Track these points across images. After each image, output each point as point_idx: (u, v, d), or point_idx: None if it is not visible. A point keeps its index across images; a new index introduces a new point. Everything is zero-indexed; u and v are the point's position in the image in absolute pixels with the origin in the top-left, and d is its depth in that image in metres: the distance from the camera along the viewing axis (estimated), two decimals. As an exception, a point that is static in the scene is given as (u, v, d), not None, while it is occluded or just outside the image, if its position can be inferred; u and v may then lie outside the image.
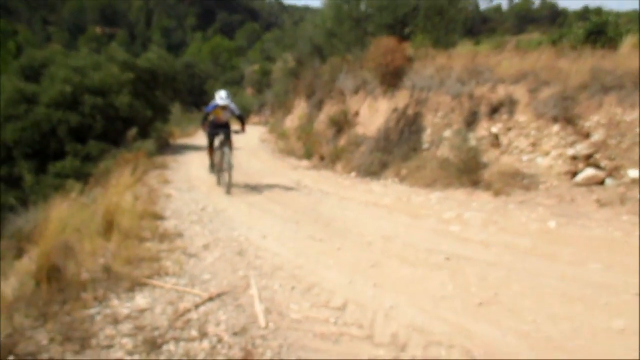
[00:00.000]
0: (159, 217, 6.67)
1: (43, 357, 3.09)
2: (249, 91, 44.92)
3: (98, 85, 14.50)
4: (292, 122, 17.51)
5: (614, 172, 6.32)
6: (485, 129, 8.21)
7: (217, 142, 8.90)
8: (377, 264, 4.92)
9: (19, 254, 5.60)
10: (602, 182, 6.40)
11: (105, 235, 5.18)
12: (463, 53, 10.41)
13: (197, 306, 3.92)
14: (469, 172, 7.63)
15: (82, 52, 18.04)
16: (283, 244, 5.69)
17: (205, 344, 3.35)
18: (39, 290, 3.76)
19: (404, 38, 12.04)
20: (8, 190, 12.36)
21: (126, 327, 3.53)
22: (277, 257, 5.19)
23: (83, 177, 11.25)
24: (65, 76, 14.16)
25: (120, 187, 6.31)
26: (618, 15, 9.07)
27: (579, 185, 6.53)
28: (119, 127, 14.40)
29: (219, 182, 9.22)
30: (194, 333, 3.49)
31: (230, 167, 8.39)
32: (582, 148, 6.64)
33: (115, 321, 3.59)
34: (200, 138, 21.39)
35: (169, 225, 6.37)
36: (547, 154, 7.11)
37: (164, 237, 5.71)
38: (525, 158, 7.36)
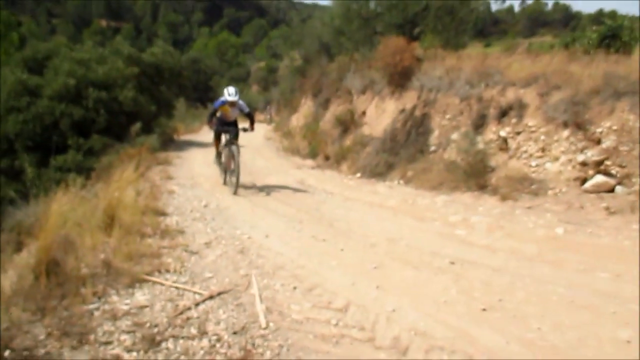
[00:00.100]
0: (161, 213, 6.64)
1: (40, 351, 3.07)
2: (255, 88, 44.98)
3: (102, 79, 14.45)
4: (297, 120, 17.46)
5: (625, 179, 6.23)
6: (493, 132, 8.12)
7: (224, 140, 8.72)
8: (380, 266, 4.87)
9: (18, 247, 5.56)
10: (612, 190, 6.32)
11: (105, 230, 5.14)
12: (473, 54, 10.35)
13: (197, 304, 3.89)
14: (475, 175, 7.56)
15: (86, 45, 17.95)
16: (285, 243, 5.65)
17: (205, 342, 3.32)
18: (38, 284, 3.73)
19: (413, 38, 11.99)
20: (8, 183, 12.32)
21: (125, 323, 3.51)
22: (279, 257, 5.14)
23: (85, 171, 11.18)
24: (69, 69, 14.10)
25: (122, 182, 6.28)
26: (633, 19, 8.95)
27: (588, 192, 6.44)
28: (123, 121, 14.33)
29: (225, 182, 9.01)
30: (193, 331, 3.47)
31: (239, 168, 8.16)
32: (592, 154, 6.55)
33: (114, 317, 3.57)
34: (205, 135, 21.39)
35: (171, 221, 6.33)
36: (556, 159, 7.02)
37: (165, 233, 5.68)
38: (533, 163, 7.28)
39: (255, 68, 53.78)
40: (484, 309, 3.86)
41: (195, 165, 12.01)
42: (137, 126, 13.92)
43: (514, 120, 7.85)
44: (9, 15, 29.85)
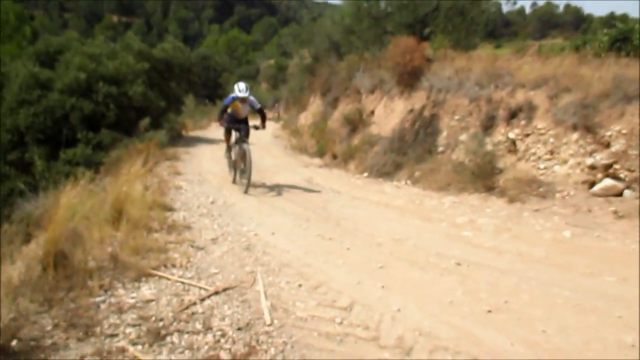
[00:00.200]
0: (168, 208, 6.67)
1: (46, 342, 3.10)
2: (264, 86, 44.98)
3: (112, 74, 14.51)
4: (305, 118, 17.45)
5: (633, 183, 6.18)
6: (502, 133, 8.08)
7: (234, 137, 8.62)
8: (385, 266, 4.87)
9: (27, 238, 5.61)
10: (620, 194, 6.26)
11: (113, 224, 5.18)
12: (483, 55, 10.27)
13: (202, 299, 3.91)
14: (483, 177, 7.52)
15: (97, 40, 18.04)
16: (292, 241, 5.66)
17: (209, 338, 3.34)
18: (45, 275, 3.77)
19: (423, 38, 11.92)
20: (18, 175, 12.40)
21: (130, 316, 3.54)
22: (285, 254, 5.16)
23: (94, 165, 11.23)
24: (80, 63, 14.17)
25: (131, 177, 6.31)
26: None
27: (597, 195, 6.40)
28: (132, 116, 14.40)
29: (234, 180, 8.89)
30: (198, 326, 3.49)
31: (250, 167, 8.02)
32: (601, 157, 6.50)
33: (120, 310, 3.60)
34: (213, 131, 21.48)
35: (178, 216, 6.37)
36: (564, 162, 6.98)
37: (172, 228, 5.72)
38: (542, 165, 7.23)
39: (264, 66, 53.80)
40: (490, 311, 3.85)
41: (203, 162, 12.05)
42: (146, 121, 14.00)
43: (523, 122, 7.81)
44: (22, 10, 29.99)
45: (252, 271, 4.60)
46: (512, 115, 8.04)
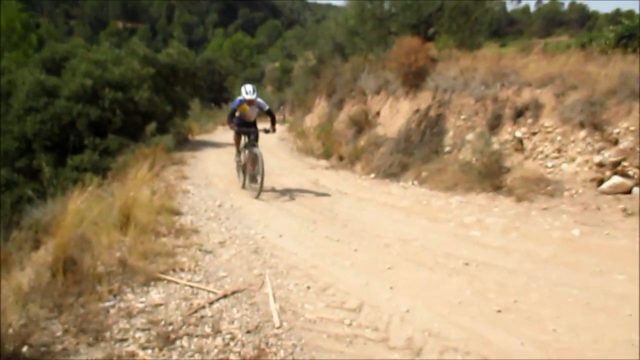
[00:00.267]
0: (176, 213, 6.69)
1: (57, 347, 3.11)
2: (269, 88, 45.08)
3: (118, 80, 14.61)
4: (311, 120, 17.45)
5: (642, 180, 6.14)
6: (508, 132, 8.04)
7: (244, 141, 8.50)
8: (393, 267, 4.86)
9: (36, 245, 5.65)
10: (629, 191, 6.22)
11: (121, 229, 5.21)
12: (488, 55, 10.24)
13: (211, 303, 3.91)
14: (490, 176, 7.49)
15: (103, 46, 18.15)
16: (299, 243, 5.66)
17: (219, 341, 3.35)
18: (55, 281, 3.79)
19: (427, 38, 11.92)
20: (27, 182, 12.52)
21: (140, 321, 3.55)
22: (293, 256, 5.16)
23: (101, 171, 11.30)
24: (86, 69, 14.28)
25: (138, 182, 6.34)
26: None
27: (605, 193, 6.35)
28: (138, 121, 14.48)
29: (243, 185, 8.75)
30: (207, 329, 3.49)
31: (263, 172, 7.83)
32: (609, 155, 6.46)
33: (129, 315, 3.61)
34: (219, 135, 21.56)
35: (185, 220, 6.39)
36: (572, 160, 6.94)
37: (179, 232, 5.73)
38: (549, 163, 7.19)
39: (269, 68, 53.95)
40: (499, 311, 3.83)
41: (209, 165, 12.09)
42: (152, 126, 14.06)
43: (529, 121, 7.77)
44: (27, 18, 30.24)
45: (260, 274, 4.61)
46: (519, 113, 8.00)
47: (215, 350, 3.23)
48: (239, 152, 8.89)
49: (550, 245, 5.33)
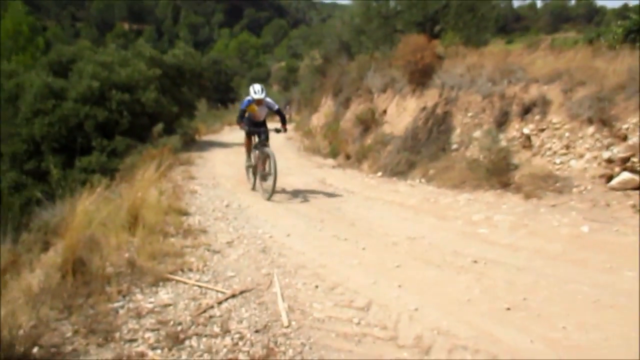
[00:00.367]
0: (184, 213, 6.71)
1: (67, 348, 3.12)
2: (275, 88, 45.10)
3: (125, 81, 14.66)
4: (318, 119, 17.43)
5: (652, 176, 6.09)
6: (516, 129, 8.00)
7: (254, 142, 8.40)
8: (401, 265, 4.85)
9: (45, 246, 5.69)
10: (638, 187, 6.16)
11: (129, 230, 5.22)
12: (495, 51, 10.20)
13: (219, 302, 3.92)
14: (498, 173, 7.45)
15: (109, 48, 18.26)
16: (307, 242, 5.66)
17: (227, 341, 3.35)
18: (64, 282, 3.80)
19: (433, 36, 11.88)
20: (35, 184, 12.60)
21: (149, 321, 3.55)
22: (301, 256, 5.16)
23: (109, 172, 11.35)
24: (93, 71, 14.34)
25: (145, 182, 6.35)
26: (659, 13, 8.72)
27: (614, 189, 6.30)
28: (145, 122, 14.52)
29: (253, 187, 8.60)
30: (216, 329, 3.49)
31: (275, 173, 7.65)
32: (618, 151, 6.41)
33: (139, 315, 3.62)
34: (226, 135, 21.59)
35: (193, 221, 6.40)
36: (581, 156, 6.88)
37: (187, 232, 5.74)
38: (558, 160, 7.14)
39: (275, 68, 53.98)
40: (508, 308, 3.82)
41: (217, 165, 12.11)
42: (159, 127, 14.11)
43: (537, 117, 7.72)
44: (34, 21, 30.43)
45: (269, 273, 4.61)
46: (526, 110, 7.95)
47: (224, 350, 3.23)
48: (249, 155, 8.70)
49: (559, 242, 5.30)
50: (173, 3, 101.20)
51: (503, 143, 7.82)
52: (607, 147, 6.59)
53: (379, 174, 10.06)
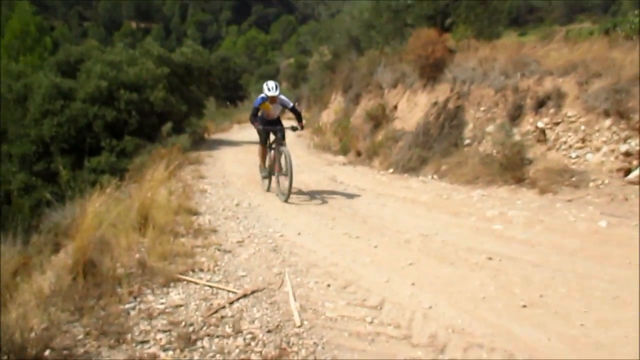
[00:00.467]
0: (194, 212, 6.71)
1: (79, 350, 3.11)
2: (284, 85, 45.05)
3: (133, 80, 14.67)
4: (328, 116, 17.38)
5: (671, 169, 5.96)
6: (530, 123, 7.87)
7: (269, 141, 8.19)
8: (415, 262, 4.79)
9: (56, 248, 5.70)
10: (657, 180, 6.05)
11: (140, 230, 5.22)
12: (507, 44, 10.04)
13: (231, 303, 3.89)
14: (512, 168, 7.34)
15: (117, 47, 18.26)
16: (318, 240, 5.62)
17: (239, 341, 3.32)
18: (75, 284, 3.80)
19: (444, 29, 11.73)
20: (45, 185, 12.61)
21: (160, 322, 3.54)
22: (312, 254, 5.11)
23: (118, 172, 11.33)
24: (101, 71, 14.36)
25: (155, 182, 6.34)
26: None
27: (632, 183, 6.17)
28: (154, 122, 14.54)
29: (268, 188, 8.37)
30: (228, 330, 3.47)
31: (292, 173, 7.40)
32: (636, 144, 6.28)
33: (150, 316, 3.61)
34: (235, 133, 21.63)
35: (204, 220, 6.39)
36: (597, 149, 6.75)
37: (198, 232, 5.73)
38: (573, 154, 7.02)
39: (284, 65, 53.86)
40: (524, 305, 3.75)
41: (226, 164, 12.11)
42: (168, 126, 14.12)
43: (552, 111, 7.59)
44: (42, 21, 30.56)
45: (280, 272, 4.57)
46: (541, 103, 7.81)
47: (237, 351, 3.20)
48: (264, 163, 8.39)
49: (576, 237, 5.21)
50: (180, 1, 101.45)
51: (517, 137, 7.70)
52: (625, 140, 6.47)
53: (391, 170, 9.99)
